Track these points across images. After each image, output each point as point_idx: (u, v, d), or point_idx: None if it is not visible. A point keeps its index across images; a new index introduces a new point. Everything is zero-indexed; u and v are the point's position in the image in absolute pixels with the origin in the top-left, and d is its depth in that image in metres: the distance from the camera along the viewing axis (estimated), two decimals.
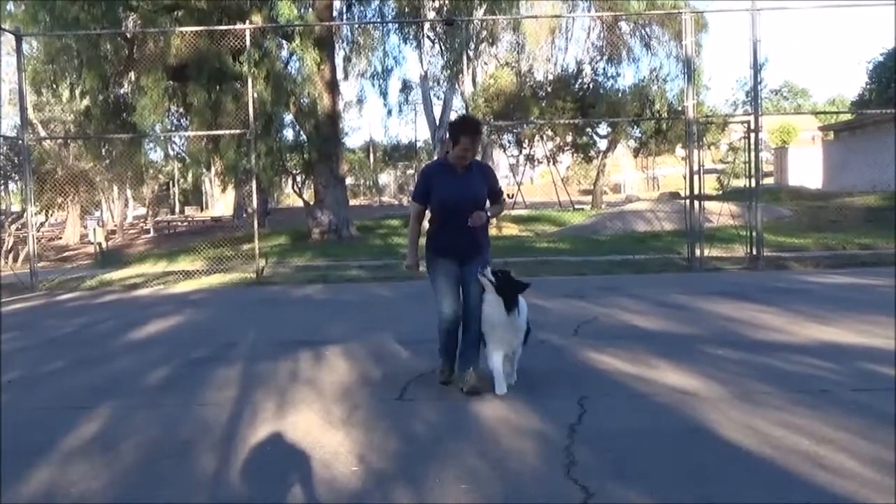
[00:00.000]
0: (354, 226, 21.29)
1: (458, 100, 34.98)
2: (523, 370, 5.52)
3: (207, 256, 15.45)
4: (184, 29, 15.58)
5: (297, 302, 10.61)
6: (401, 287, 11.30)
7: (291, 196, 42.01)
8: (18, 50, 13.41)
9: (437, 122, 33.74)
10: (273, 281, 13.09)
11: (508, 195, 34.81)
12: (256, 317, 9.24)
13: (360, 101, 37.55)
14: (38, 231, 21.85)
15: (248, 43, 14.28)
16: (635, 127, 30.36)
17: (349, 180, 40.15)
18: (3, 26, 14.60)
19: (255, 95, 14.59)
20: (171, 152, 24.82)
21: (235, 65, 16.00)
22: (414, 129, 50.07)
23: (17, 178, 21.12)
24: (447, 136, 5.01)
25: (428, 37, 32.52)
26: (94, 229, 23.15)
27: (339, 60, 23.17)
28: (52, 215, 29.70)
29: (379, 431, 4.24)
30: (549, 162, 33.44)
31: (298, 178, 22.70)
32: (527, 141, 32.44)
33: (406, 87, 35.07)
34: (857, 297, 8.91)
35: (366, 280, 12.80)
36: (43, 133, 26.17)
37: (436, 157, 33.24)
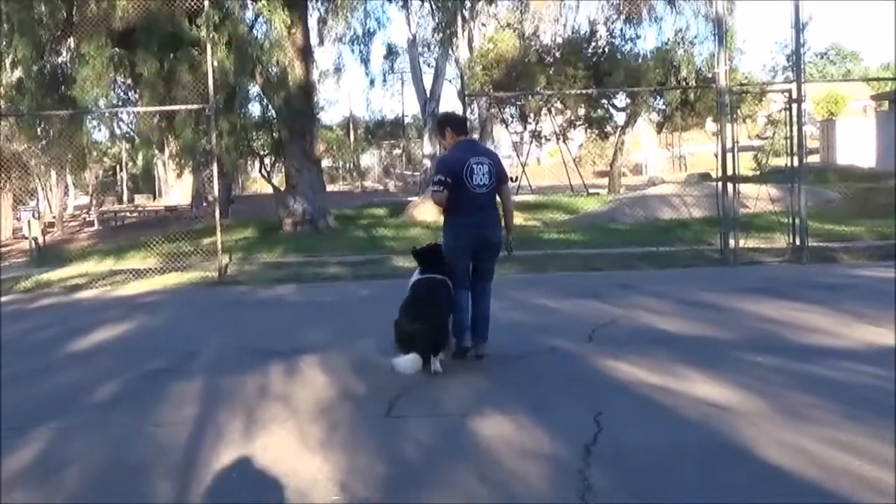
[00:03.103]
0: (332, 215, 21.23)
1: (451, 68, 34.96)
2: (530, 382, 5.55)
3: (161, 252, 15.42)
4: None
5: (266, 304, 10.59)
6: (387, 286, 11.29)
7: (259, 181, 41.95)
8: None
9: (428, 94, 33.73)
10: (238, 280, 13.07)
11: (512, 178, 34.90)
12: (220, 322, 9.23)
13: (337, 70, 37.18)
14: None
15: (206, 3, 14.21)
16: (658, 98, 30.32)
17: (326, 162, 40.10)
18: None
19: (216, 64, 14.51)
20: (118, 131, 24.66)
21: (192, 29, 15.88)
22: (401, 102, 49.85)
23: None
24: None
25: None
26: (29, 222, 23.04)
27: (312, 23, 23.12)
28: None
29: (363, 454, 4.25)
30: (558, 139, 33.41)
31: (267, 161, 22.64)
32: (532, 115, 32.39)
33: (391, 53, 34.97)
34: None
35: (346, 278, 12.78)
36: None
37: (426, 134, 33.22)
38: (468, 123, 6.50)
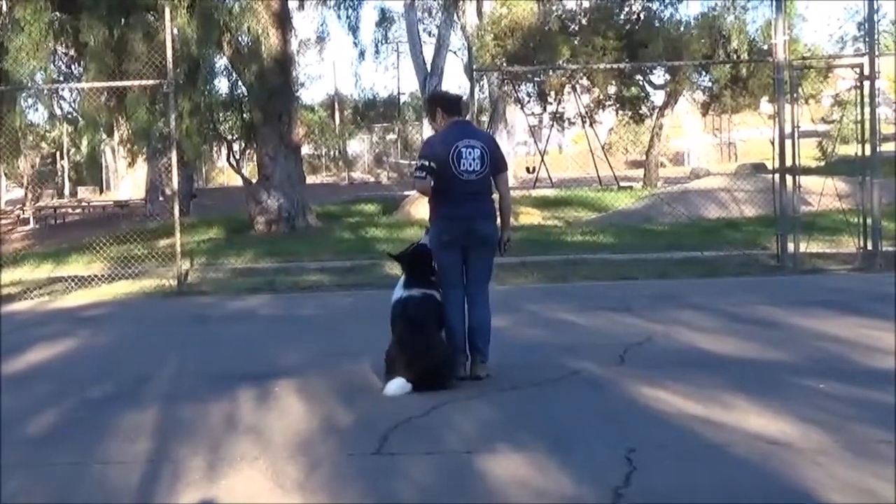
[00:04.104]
0: (313, 212, 21.27)
1: (457, 37, 35.02)
2: (549, 412, 5.55)
3: (110, 256, 15.43)
4: None
5: (234, 319, 10.60)
6: (377, 297, 11.27)
7: (226, 172, 42.03)
8: None
9: (429, 69, 33.74)
10: (201, 290, 13.08)
11: (528, 168, 34.88)
12: (179, 340, 9.22)
13: (320, 40, 37.39)
14: None
15: None
16: (704, 73, 30.35)
17: (306, 149, 40.11)
18: None
19: (175, 32, 14.55)
20: (59, 111, 24.76)
21: None
22: (396, 78, 50.01)
23: None
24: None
25: None
26: None
27: None
28: None
29: (349, 497, 4.25)
30: (584, 123, 33.46)
31: (236, 147, 22.65)
32: (553, 94, 32.43)
33: (385, 19, 35.10)
34: None
35: (330, 288, 12.80)
36: None
37: (426, 116, 33.30)
38: (463, 103, 6.73)
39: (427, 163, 6.43)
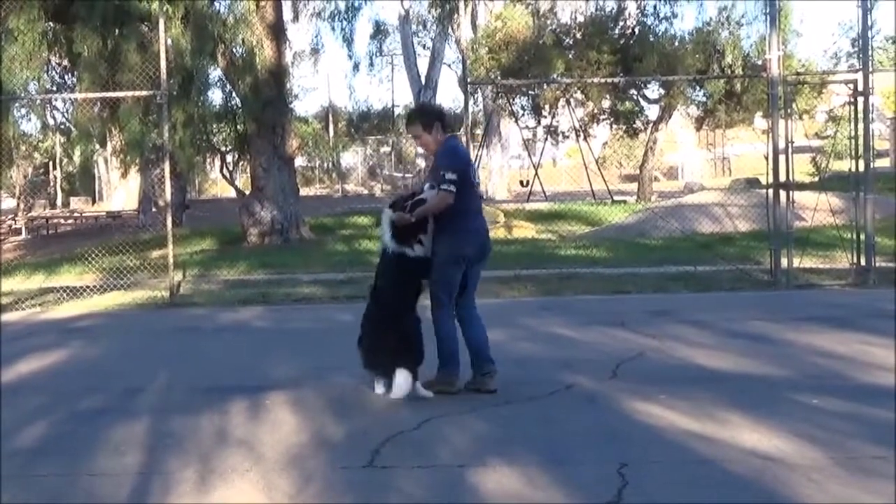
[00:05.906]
0: (307, 224, 21.27)
1: (451, 50, 35.17)
2: (542, 426, 5.54)
3: (102, 267, 15.41)
4: None
5: (226, 331, 10.58)
6: None
7: (220, 183, 42.02)
8: None
9: (423, 81, 33.86)
10: (194, 301, 13.06)
11: (522, 182, 34.88)
12: (170, 352, 9.20)
13: (315, 52, 37.57)
14: None
15: None
16: (698, 88, 30.44)
17: (300, 161, 40.14)
18: None
19: (169, 43, 14.55)
20: (52, 122, 24.71)
21: (142, 0, 15.97)
22: (391, 91, 50.13)
23: None
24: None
25: None
26: None
27: None
28: None
29: None
30: (578, 137, 33.50)
31: (229, 159, 22.67)
32: (547, 107, 32.49)
33: (380, 31, 35.11)
34: None
35: (323, 300, 12.79)
36: None
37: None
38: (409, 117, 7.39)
39: (458, 177, 6.28)
